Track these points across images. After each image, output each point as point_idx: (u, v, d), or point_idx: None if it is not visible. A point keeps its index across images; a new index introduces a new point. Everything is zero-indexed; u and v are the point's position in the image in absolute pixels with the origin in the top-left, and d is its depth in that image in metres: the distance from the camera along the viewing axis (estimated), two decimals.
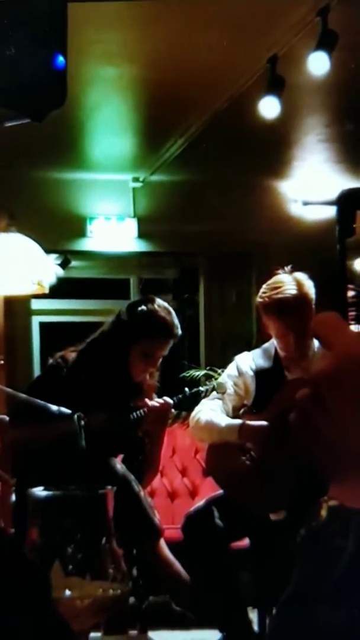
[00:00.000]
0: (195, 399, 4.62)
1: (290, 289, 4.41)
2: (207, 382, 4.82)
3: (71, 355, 4.57)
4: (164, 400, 4.50)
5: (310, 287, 4.45)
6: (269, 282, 4.51)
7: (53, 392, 4.21)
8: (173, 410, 4.69)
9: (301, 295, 4.41)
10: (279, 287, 4.43)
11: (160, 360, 4.55)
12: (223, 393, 4.51)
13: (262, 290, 4.52)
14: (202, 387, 4.66)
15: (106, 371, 4.46)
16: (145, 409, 4.49)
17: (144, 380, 4.56)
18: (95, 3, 4.92)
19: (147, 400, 4.50)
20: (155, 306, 4.54)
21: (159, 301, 4.62)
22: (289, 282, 4.44)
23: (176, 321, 4.55)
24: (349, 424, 0.90)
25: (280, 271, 4.54)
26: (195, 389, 4.61)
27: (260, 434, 4.26)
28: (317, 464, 0.94)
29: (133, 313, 4.53)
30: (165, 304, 4.61)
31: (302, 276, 4.48)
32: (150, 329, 4.46)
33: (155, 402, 4.50)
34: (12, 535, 4.62)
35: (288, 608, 1.03)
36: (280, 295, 4.40)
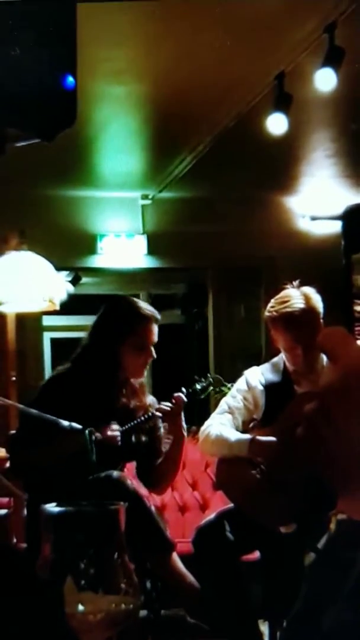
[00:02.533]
0: (193, 397, 4.64)
1: (298, 303, 4.44)
2: (203, 379, 4.84)
3: (62, 372, 4.61)
4: (177, 396, 4.53)
5: (317, 301, 4.47)
6: (277, 296, 4.54)
7: (50, 409, 4.21)
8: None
9: (309, 309, 4.43)
10: (287, 301, 4.46)
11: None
12: (219, 387, 4.55)
13: (270, 304, 4.56)
14: (197, 384, 4.67)
15: (101, 378, 4.47)
16: (150, 413, 4.52)
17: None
18: (104, 22, 4.96)
19: (162, 405, 4.53)
20: (129, 300, 4.63)
21: (127, 297, 4.75)
22: (297, 296, 4.47)
23: (151, 307, 4.61)
24: (355, 437, 0.92)
25: (288, 286, 4.58)
26: (191, 388, 4.64)
27: (271, 449, 4.28)
28: (325, 478, 0.95)
29: (114, 315, 4.59)
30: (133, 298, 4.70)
31: (309, 290, 4.51)
32: (136, 322, 4.49)
33: (165, 404, 4.53)
34: (23, 552, 4.64)
35: (299, 620, 1.05)
36: (288, 309, 4.43)
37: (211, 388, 7.74)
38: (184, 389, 4.56)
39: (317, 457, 0.95)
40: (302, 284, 4.56)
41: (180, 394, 4.53)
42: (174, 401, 4.51)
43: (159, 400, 4.61)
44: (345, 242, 1.21)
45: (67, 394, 4.38)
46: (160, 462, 4.63)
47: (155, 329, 4.53)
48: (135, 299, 4.69)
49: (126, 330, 4.47)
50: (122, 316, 4.53)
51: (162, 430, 4.63)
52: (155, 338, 4.54)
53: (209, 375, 4.88)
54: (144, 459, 4.62)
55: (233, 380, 4.80)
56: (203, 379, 4.74)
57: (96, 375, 4.46)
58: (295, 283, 4.57)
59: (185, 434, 4.61)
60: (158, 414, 4.52)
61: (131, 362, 4.50)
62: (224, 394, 5.02)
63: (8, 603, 1.76)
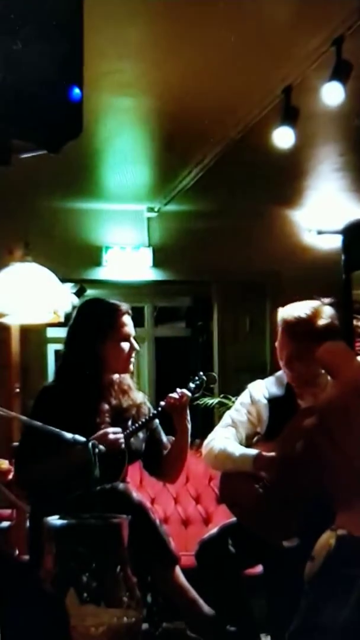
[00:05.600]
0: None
1: (302, 315, 4.42)
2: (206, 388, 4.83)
3: (49, 384, 4.63)
4: (182, 391, 4.53)
5: (324, 315, 4.46)
6: (286, 306, 4.52)
7: (45, 422, 4.19)
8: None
9: (313, 322, 4.42)
10: (293, 313, 4.44)
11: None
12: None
13: (279, 313, 4.54)
14: (191, 383, 4.66)
15: (87, 382, 4.47)
16: (156, 411, 4.52)
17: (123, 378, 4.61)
18: (111, 35, 4.97)
19: (170, 396, 4.52)
20: (98, 299, 4.76)
21: (95, 297, 4.73)
22: (305, 308, 4.45)
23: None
24: (355, 452, 0.92)
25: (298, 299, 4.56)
26: (186, 388, 4.60)
27: (275, 465, 4.26)
28: (325, 492, 0.95)
29: (89, 315, 4.63)
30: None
31: (317, 304, 4.49)
32: (112, 316, 4.54)
33: (172, 395, 4.52)
34: (27, 563, 4.62)
35: (300, 635, 1.04)
36: (292, 320, 4.42)
37: (213, 401, 7.74)
38: (178, 390, 4.55)
39: (318, 471, 0.95)
40: (307, 298, 4.55)
41: (185, 390, 4.54)
42: (178, 396, 4.52)
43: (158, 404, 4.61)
44: (346, 258, 1.19)
45: (58, 404, 4.38)
46: (167, 453, 4.66)
47: (129, 320, 4.59)
48: (101, 298, 4.82)
49: (105, 326, 4.50)
50: (98, 314, 4.57)
51: (157, 421, 4.63)
52: (132, 330, 4.58)
53: (201, 373, 4.83)
54: (150, 452, 4.63)
55: (237, 393, 4.79)
56: (196, 377, 4.72)
57: (82, 380, 4.46)
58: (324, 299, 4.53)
59: (189, 424, 4.58)
60: (183, 397, 4.51)
61: (116, 357, 4.51)
62: (228, 408, 5.00)
63: (12, 613, 1.74)
